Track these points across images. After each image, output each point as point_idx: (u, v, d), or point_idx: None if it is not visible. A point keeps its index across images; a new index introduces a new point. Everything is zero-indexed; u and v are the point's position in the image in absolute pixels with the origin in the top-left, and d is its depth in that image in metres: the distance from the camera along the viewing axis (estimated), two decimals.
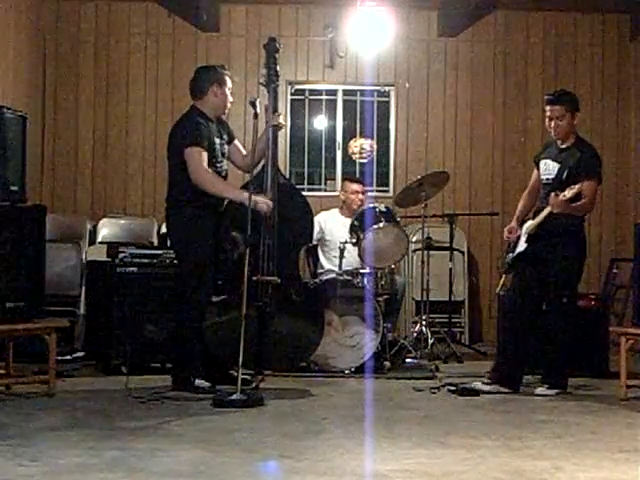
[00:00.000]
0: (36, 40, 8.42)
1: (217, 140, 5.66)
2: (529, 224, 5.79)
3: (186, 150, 5.48)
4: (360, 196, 7.24)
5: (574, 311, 5.83)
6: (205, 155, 5.50)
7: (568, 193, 5.47)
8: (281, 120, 5.81)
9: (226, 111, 5.83)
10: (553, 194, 5.55)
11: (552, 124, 5.76)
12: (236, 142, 5.92)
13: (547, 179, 5.79)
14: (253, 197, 5.31)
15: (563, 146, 5.79)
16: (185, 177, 5.51)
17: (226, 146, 5.77)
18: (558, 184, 5.62)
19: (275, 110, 5.77)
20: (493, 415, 5.09)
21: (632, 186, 9.10)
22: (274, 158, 5.73)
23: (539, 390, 5.70)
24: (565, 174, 5.64)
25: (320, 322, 5.88)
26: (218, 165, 5.64)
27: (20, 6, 7.89)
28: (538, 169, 5.93)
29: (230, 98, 5.75)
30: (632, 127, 9.15)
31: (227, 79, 5.73)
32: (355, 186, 7.31)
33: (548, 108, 5.78)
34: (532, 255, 5.74)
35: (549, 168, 5.79)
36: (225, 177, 5.73)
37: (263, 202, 5.47)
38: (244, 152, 5.87)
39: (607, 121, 9.15)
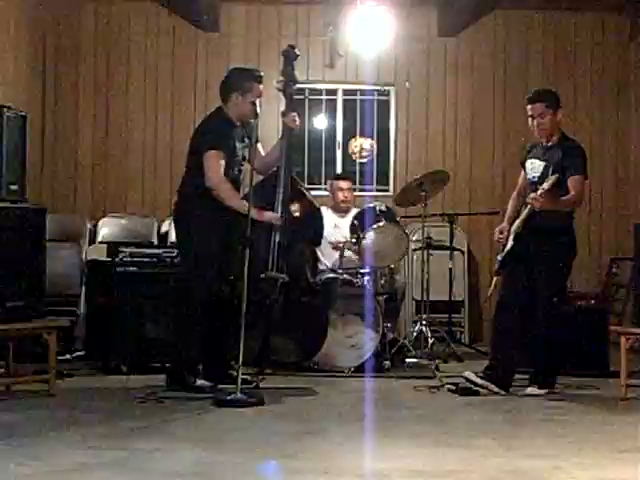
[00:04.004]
0: (36, 40, 8.41)
1: (239, 144, 5.64)
2: (515, 222, 5.80)
3: (205, 154, 5.48)
4: (345, 193, 7.25)
5: (563, 311, 5.81)
6: (222, 161, 5.49)
7: (546, 185, 5.49)
8: (295, 123, 5.82)
9: (251, 118, 5.63)
10: (532, 194, 5.57)
11: (534, 123, 5.78)
12: (258, 145, 5.84)
13: (533, 177, 5.79)
14: (264, 214, 5.45)
15: (549, 144, 5.79)
16: (202, 174, 5.49)
17: (247, 149, 5.72)
18: (544, 181, 5.63)
19: (291, 111, 5.78)
20: (493, 415, 5.09)
21: (632, 186, 9.10)
22: (288, 160, 5.75)
23: (529, 390, 5.69)
24: (550, 171, 5.64)
25: (324, 323, 5.89)
26: (236, 170, 5.64)
27: (20, 6, 7.88)
28: (525, 170, 5.94)
29: (255, 106, 5.54)
30: (632, 127, 9.15)
31: (254, 87, 5.61)
32: (340, 182, 7.33)
33: (529, 107, 5.79)
34: (520, 253, 5.74)
35: (535, 167, 5.79)
36: (240, 184, 5.72)
37: (271, 217, 5.55)
38: (263, 154, 5.85)
39: (607, 121, 9.15)
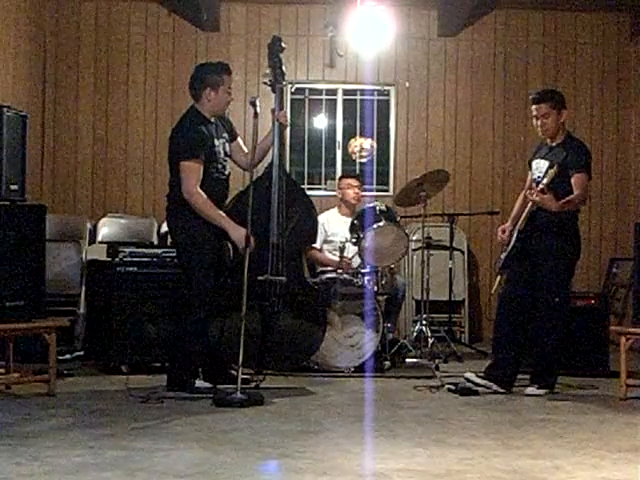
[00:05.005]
0: (36, 40, 8.41)
1: (217, 142, 5.61)
2: (519, 221, 5.82)
3: (181, 163, 5.45)
4: (356, 190, 7.24)
5: (565, 311, 5.81)
6: (200, 170, 5.45)
7: (545, 180, 5.52)
8: (287, 120, 5.84)
9: (225, 110, 5.79)
10: (530, 190, 5.61)
11: (538, 123, 5.79)
12: (239, 140, 5.88)
13: (538, 177, 5.80)
14: (236, 230, 5.37)
15: (553, 144, 5.81)
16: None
17: (228, 145, 5.75)
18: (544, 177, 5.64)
19: (281, 109, 5.77)
20: (493, 414, 5.09)
21: (632, 186, 9.10)
22: (280, 157, 5.74)
23: (529, 390, 5.68)
24: (554, 168, 5.65)
25: (323, 322, 5.90)
26: (219, 166, 5.61)
27: (20, 6, 7.88)
28: (531, 170, 5.95)
29: (228, 98, 5.65)
30: (632, 127, 9.15)
31: (225, 79, 5.62)
32: (350, 180, 7.32)
33: (534, 107, 5.81)
34: (523, 252, 5.75)
35: (540, 166, 5.80)
36: (227, 179, 5.72)
37: (240, 238, 5.38)
38: (246, 150, 5.82)
39: (607, 121, 9.15)
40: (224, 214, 5.50)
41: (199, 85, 5.63)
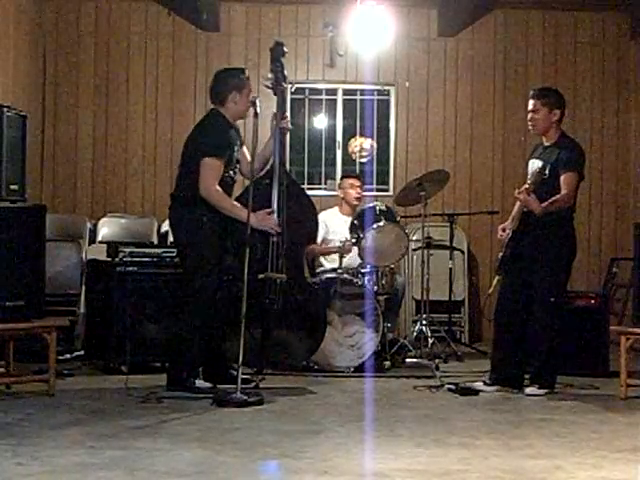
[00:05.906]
0: (36, 40, 8.41)
1: (236, 147, 5.64)
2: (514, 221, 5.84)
3: (204, 159, 5.44)
4: (358, 190, 7.26)
5: (561, 310, 5.80)
6: (221, 169, 5.47)
7: (530, 179, 5.56)
8: (289, 124, 5.84)
9: (246, 115, 5.77)
10: (517, 191, 5.64)
11: (529, 117, 5.83)
12: (243, 148, 5.86)
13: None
14: (259, 217, 5.42)
15: (547, 144, 5.82)
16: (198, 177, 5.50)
17: (239, 151, 5.74)
18: (540, 180, 5.64)
19: (283, 113, 5.77)
20: (493, 414, 5.09)
21: (632, 186, 9.10)
22: (282, 160, 5.74)
23: (529, 390, 5.69)
24: (547, 170, 5.65)
25: (322, 321, 5.90)
26: (231, 172, 5.62)
27: (20, 6, 7.89)
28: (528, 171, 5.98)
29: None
30: (632, 127, 9.15)
31: (247, 83, 5.66)
32: (352, 180, 7.35)
33: (529, 102, 5.86)
34: (518, 252, 5.75)
35: (534, 166, 5.81)
36: (234, 184, 5.71)
37: (266, 221, 5.52)
38: (249, 159, 5.78)
39: (607, 121, 9.15)
40: (242, 207, 5.47)
41: (224, 88, 5.64)
